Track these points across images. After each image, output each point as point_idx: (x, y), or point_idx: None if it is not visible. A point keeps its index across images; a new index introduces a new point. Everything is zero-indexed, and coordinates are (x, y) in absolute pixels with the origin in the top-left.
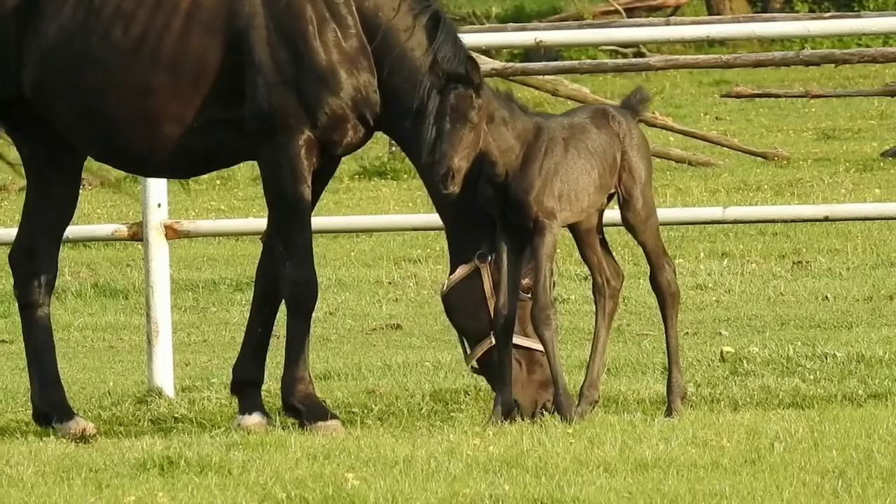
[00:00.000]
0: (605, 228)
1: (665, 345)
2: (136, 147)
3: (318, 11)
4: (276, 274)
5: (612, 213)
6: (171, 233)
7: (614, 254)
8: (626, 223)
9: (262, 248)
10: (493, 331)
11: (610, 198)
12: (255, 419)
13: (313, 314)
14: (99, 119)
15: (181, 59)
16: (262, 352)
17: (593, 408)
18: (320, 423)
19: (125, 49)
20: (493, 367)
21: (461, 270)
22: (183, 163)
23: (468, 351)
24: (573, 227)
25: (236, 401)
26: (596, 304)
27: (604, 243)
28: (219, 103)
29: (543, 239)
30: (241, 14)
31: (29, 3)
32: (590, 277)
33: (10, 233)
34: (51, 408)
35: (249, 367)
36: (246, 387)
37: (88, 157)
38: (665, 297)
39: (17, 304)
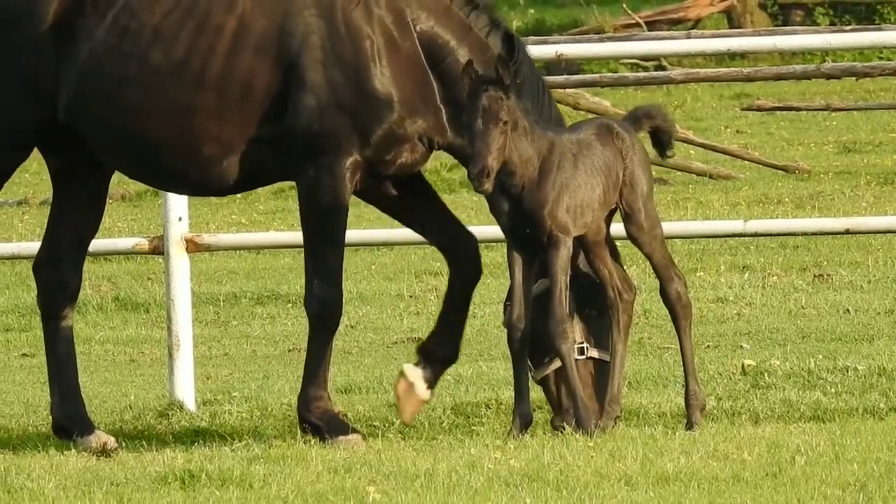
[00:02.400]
0: (617, 243)
1: (681, 357)
2: (175, 167)
3: (376, 33)
4: (456, 256)
5: (620, 227)
6: (192, 246)
7: (626, 267)
8: (631, 237)
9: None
10: (553, 340)
11: (613, 212)
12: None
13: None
14: (137, 140)
15: (227, 79)
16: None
17: (615, 423)
18: (341, 437)
19: (166, 71)
20: (554, 383)
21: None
22: (221, 182)
23: (532, 366)
24: (582, 241)
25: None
26: (611, 318)
27: (615, 256)
28: (262, 123)
29: (557, 252)
30: (294, 34)
31: (64, 26)
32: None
33: (32, 246)
34: (71, 421)
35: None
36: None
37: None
38: (676, 309)
39: (39, 317)
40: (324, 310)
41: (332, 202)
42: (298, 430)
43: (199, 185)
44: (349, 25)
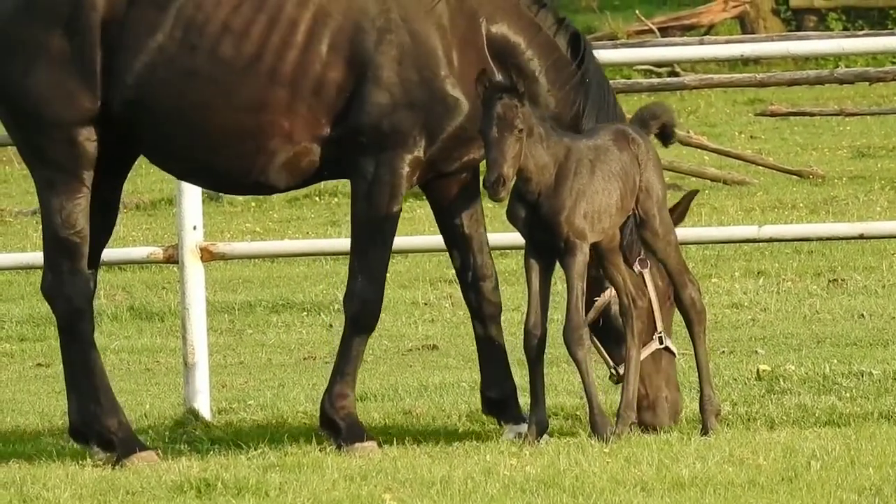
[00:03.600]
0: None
1: (696, 363)
2: (238, 163)
3: (451, 32)
4: (478, 291)
5: None
6: (207, 255)
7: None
8: (645, 242)
9: (456, 274)
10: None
11: (627, 218)
12: (522, 427)
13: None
14: (202, 135)
15: (300, 74)
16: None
17: (630, 429)
18: (357, 445)
19: (238, 64)
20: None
21: (605, 296)
22: (282, 180)
23: (613, 368)
24: (596, 247)
25: (495, 418)
26: (624, 325)
27: (628, 263)
28: (331, 119)
29: (574, 259)
30: (370, 31)
31: (118, 17)
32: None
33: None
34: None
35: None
36: (498, 404)
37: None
38: (690, 315)
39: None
40: (364, 310)
41: (388, 200)
42: (315, 435)
43: (259, 182)
44: (426, 24)
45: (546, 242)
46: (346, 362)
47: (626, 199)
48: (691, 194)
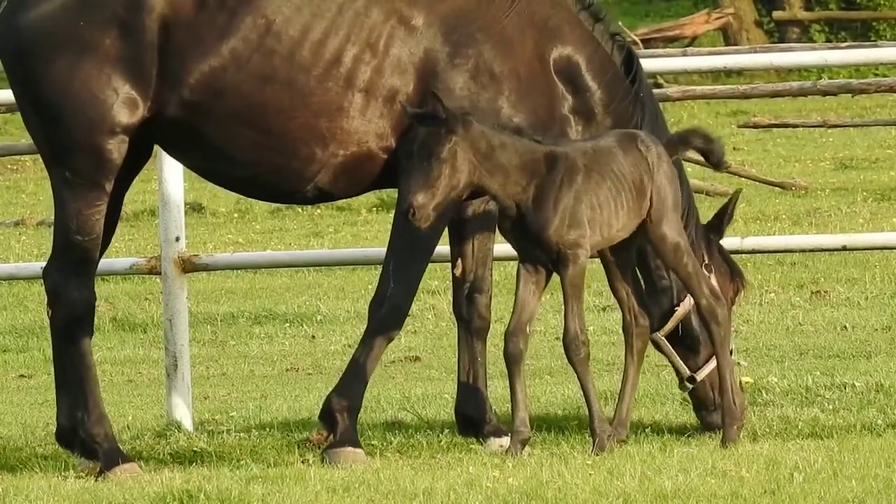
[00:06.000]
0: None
1: (718, 373)
2: (301, 167)
3: (523, 47)
4: (472, 303)
5: None
6: (190, 266)
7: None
8: (655, 249)
9: (453, 281)
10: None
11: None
12: (501, 440)
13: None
14: (272, 138)
15: (376, 81)
16: (482, 383)
17: (621, 446)
18: (348, 448)
19: (316, 70)
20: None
21: (685, 306)
22: (339, 185)
23: (685, 375)
24: (604, 261)
25: (475, 435)
26: (625, 342)
27: (635, 279)
28: (397, 127)
29: (567, 270)
30: (446, 44)
31: (181, 22)
32: (608, 309)
33: (30, 267)
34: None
35: (471, 400)
36: (474, 423)
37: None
38: (710, 325)
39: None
40: (393, 316)
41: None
42: (297, 446)
43: (318, 188)
44: (501, 38)
45: (538, 256)
46: (363, 364)
47: (633, 201)
48: (736, 195)
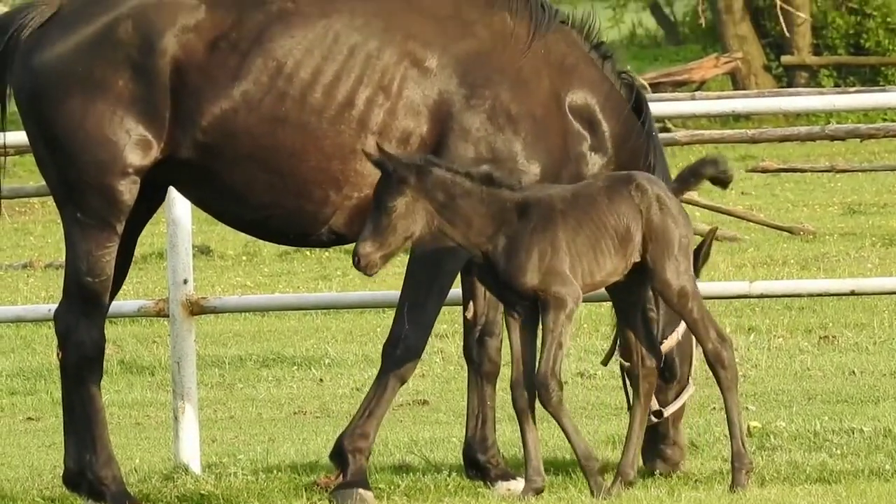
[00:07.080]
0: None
1: (726, 418)
2: (314, 210)
3: (540, 87)
4: (482, 346)
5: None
6: (198, 309)
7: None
8: (655, 293)
9: (464, 324)
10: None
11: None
12: (509, 484)
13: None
14: (284, 181)
15: (389, 123)
16: (491, 427)
17: (628, 489)
18: (358, 490)
19: (329, 113)
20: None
21: (668, 344)
22: (353, 228)
23: (651, 409)
24: (614, 301)
25: (482, 479)
26: (631, 384)
27: (645, 321)
28: None
29: (548, 316)
30: (462, 85)
31: (193, 64)
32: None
33: (37, 309)
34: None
35: (479, 444)
36: (481, 467)
37: None
38: (717, 371)
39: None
40: (406, 356)
41: (450, 254)
42: (304, 490)
43: (332, 231)
44: (519, 79)
45: (517, 300)
46: (376, 404)
47: (616, 246)
48: (711, 233)
